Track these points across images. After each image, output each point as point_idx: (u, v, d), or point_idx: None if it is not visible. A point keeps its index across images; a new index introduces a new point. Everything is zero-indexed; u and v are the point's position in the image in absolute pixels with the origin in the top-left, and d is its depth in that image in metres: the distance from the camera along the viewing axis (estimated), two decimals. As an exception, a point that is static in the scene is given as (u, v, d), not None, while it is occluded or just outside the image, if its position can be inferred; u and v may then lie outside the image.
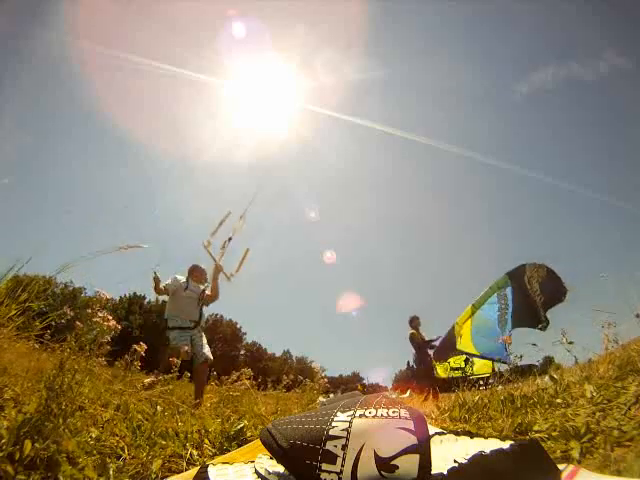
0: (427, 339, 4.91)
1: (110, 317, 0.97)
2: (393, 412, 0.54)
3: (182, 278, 3.67)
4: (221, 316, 47.65)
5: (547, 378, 1.88)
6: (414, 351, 5.14)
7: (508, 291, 2.83)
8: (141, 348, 1.68)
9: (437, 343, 4.22)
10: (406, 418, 0.53)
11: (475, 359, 2.96)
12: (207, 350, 3.47)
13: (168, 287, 3.52)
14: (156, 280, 3.42)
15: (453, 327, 3.24)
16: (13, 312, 1.21)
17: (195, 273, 3.74)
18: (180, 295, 3.54)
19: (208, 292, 3.68)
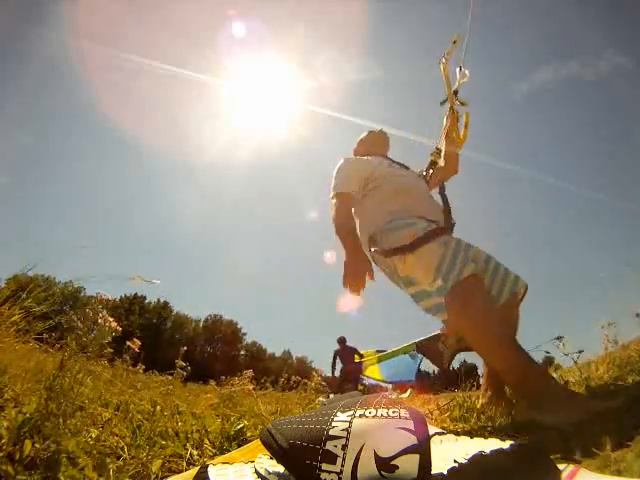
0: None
1: (111, 319, 0.96)
2: (393, 412, 0.54)
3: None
4: (221, 316, 47.74)
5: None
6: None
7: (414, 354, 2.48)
8: (135, 344, 1.62)
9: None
10: (406, 418, 0.53)
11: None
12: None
13: (351, 184, 1.69)
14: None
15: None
16: (16, 317, 1.20)
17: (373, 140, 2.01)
18: (387, 183, 1.69)
19: (440, 162, 1.90)
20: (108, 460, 0.87)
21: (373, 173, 1.74)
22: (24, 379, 0.92)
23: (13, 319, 1.22)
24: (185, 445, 1.08)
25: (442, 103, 2.06)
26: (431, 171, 1.92)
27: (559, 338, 1.93)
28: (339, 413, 0.56)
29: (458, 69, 2.11)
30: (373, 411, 0.55)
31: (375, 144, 2.03)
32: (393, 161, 1.91)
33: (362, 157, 1.91)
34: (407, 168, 1.89)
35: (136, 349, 1.62)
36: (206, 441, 1.16)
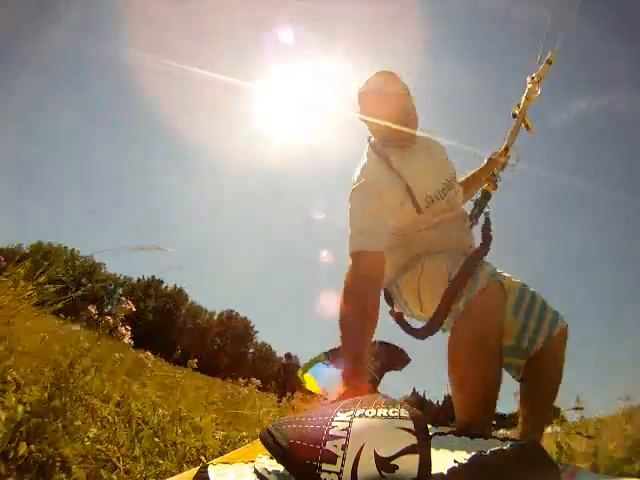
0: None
1: (130, 302, 0.94)
2: (393, 412, 0.54)
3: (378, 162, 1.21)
4: (237, 313, 47.28)
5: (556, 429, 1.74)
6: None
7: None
8: (127, 306, 1.27)
9: None
10: (406, 418, 0.53)
11: None
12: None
13: (380, 238, 1.12)
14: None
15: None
16: (29, 291, 1.17)
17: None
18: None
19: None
20: (102, 472, 0.85)
21: (405, 216, 1.20)
22: (31, 357, 0.91)
23: (29, 289, 1.18)
24: (180, 462, 1.06)
25: (514, 116, 1.70)
26: (484, 207, 1.47)
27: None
28: (339, 413, 0.56)
29: (529, 79, 1.69)
30: (373, 411, 0.55)
31: (401, 117, 1.23)
32: (429, 153, 1.29)
33: (390, 180, 1.18)
34: (450, 186, 1.26)
35: (129, 308, 1.28)
36: (203, 458, 1.13)
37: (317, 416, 0.57)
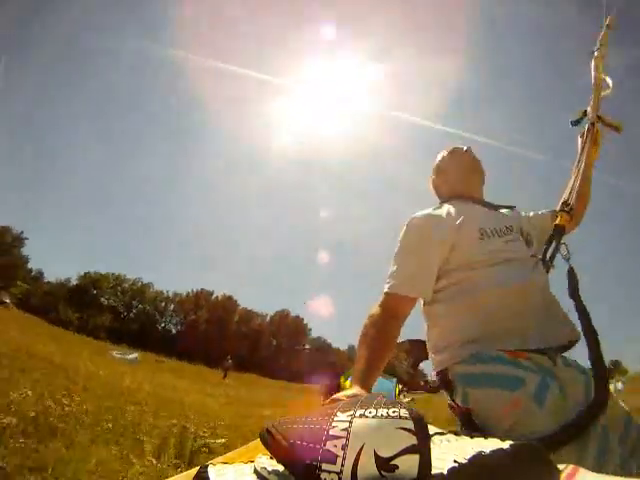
0: None
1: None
2: (393, 412, 0.54)
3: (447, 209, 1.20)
4: (288, 312, 49.40)
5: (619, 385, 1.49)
6: None
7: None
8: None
9: None
10: (406, 418, 0.53)
11: None
12: None
13: (419, 283, 1.12)
14: None
15: None
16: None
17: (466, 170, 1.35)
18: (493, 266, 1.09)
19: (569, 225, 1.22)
20: None
21: (456, 251, 1.12)
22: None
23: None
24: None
25: (574, 123, 1.46)
26: (553, 244, 1.18)
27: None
28: (339, 413, 0.56)
29: (594, 78, 1.48)
30: (373, 411, 0.55)
31: (463, 176, 1.34)
32: (489, 206, 1.27)
33: (441, 216, 1.19)
34: (511, 230, 1.17)
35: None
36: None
37: (317, 416, 0.57)
